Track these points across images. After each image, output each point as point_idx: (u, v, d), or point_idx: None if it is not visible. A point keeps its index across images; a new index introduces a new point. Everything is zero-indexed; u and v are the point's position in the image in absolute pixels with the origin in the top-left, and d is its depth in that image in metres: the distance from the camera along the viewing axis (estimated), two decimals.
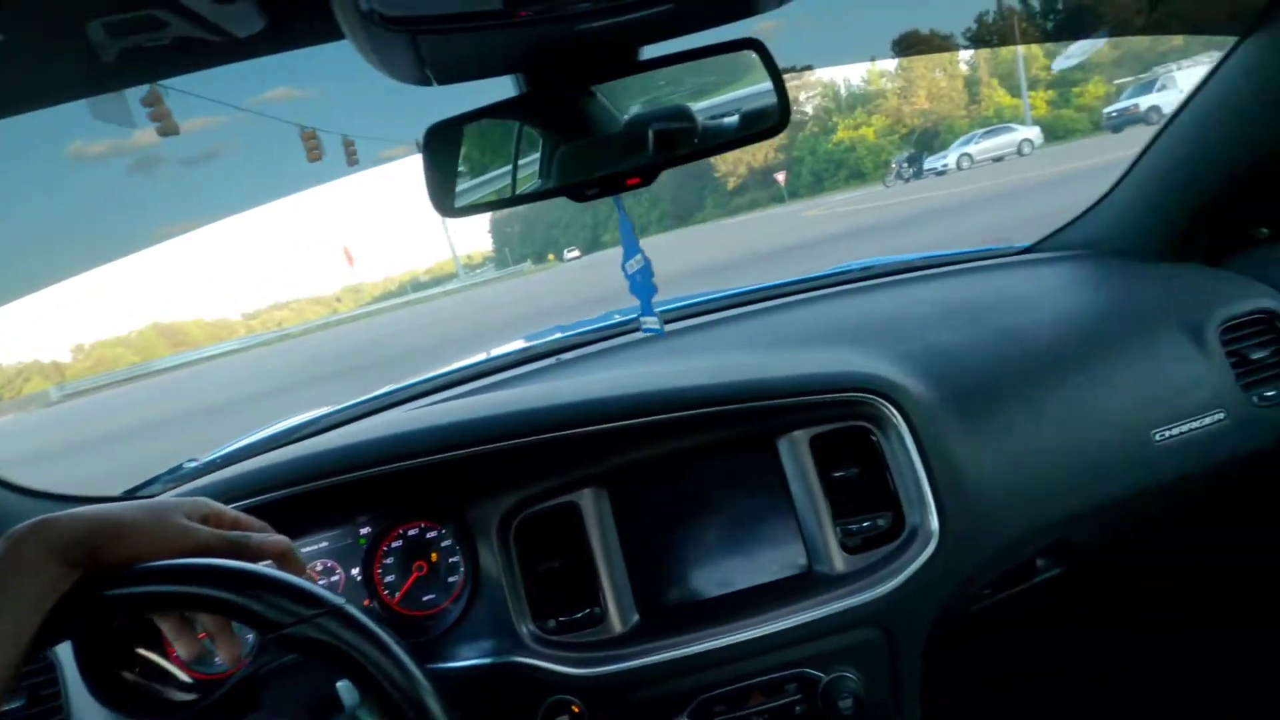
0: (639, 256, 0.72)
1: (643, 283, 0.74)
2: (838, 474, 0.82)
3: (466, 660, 0.77)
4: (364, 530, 0.87)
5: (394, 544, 0.86)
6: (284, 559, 0.55)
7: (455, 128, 0.64)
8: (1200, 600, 1.24)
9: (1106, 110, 21.42)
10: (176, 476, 1.13)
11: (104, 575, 0.49)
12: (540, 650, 0.76)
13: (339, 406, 1.34)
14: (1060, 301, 1.06)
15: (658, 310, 1.30)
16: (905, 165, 26.67)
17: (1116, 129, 18.48)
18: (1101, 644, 1.35)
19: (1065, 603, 1.27)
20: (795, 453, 0.82)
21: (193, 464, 1.18)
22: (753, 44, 0.59)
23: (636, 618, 0.79)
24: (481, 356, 1.36)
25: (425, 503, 0.85)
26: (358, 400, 1.33)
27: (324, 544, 0.87)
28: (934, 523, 0.79)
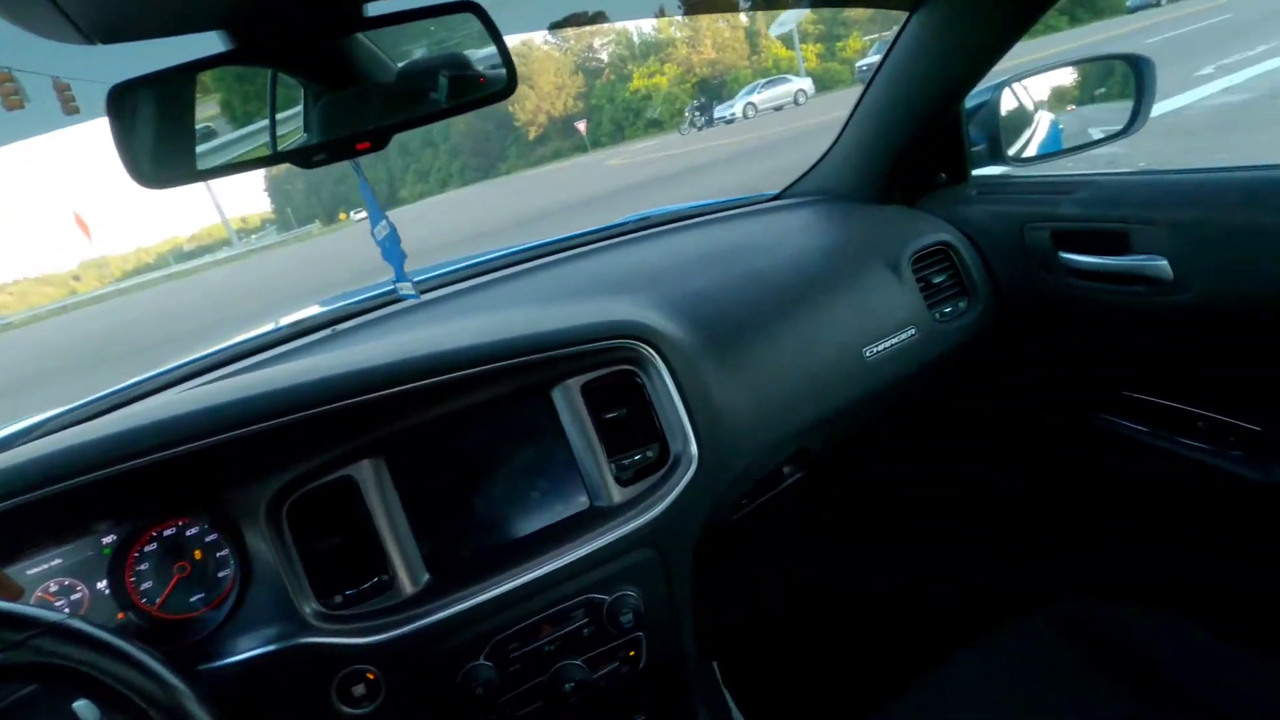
0: (384, 223, 0.70)
1: (391, 249, 0.72)
2: (609, 415, 0.89)
3: (247, 652, 0.74)
4: (107, 539, 0.78)
5: (146, 548, 0.79)
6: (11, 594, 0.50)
7: (143, 88, 0.57)
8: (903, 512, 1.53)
9: (858, 64, 23.94)
10: None
11: None
12: (327, 627, 0.76)
13: (69, 406, 1.17)
14: (795, 243, 1.21)
15: (421, 278, 1.28)
16: (698, 114, 27.86)
17: (865, 82, 20.87)
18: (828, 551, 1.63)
19: (808, 508, 1.50)
20: (569, 400, 0.87)
21: None
22: (471, 7, 0.59)
23: (427, 577, 0.81)
24: (237, 339, 1.25)
25: (177, 498, 0.78)
26: (95, 396, 1.16)
27: (58, 561, 0.78)
28: (694, 449, 0.89)
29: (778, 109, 23.32)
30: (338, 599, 0.79)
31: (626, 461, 0.89)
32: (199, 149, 0.63)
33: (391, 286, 1.16)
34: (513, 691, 0.83)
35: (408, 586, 0.80)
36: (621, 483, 0.88)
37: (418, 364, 0.79)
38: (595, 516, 0.86)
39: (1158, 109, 1.17)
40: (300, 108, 0.69)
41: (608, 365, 0.89)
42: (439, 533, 0.83)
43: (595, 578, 0.85)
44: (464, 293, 1.18)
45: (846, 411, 1.06)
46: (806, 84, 25.10)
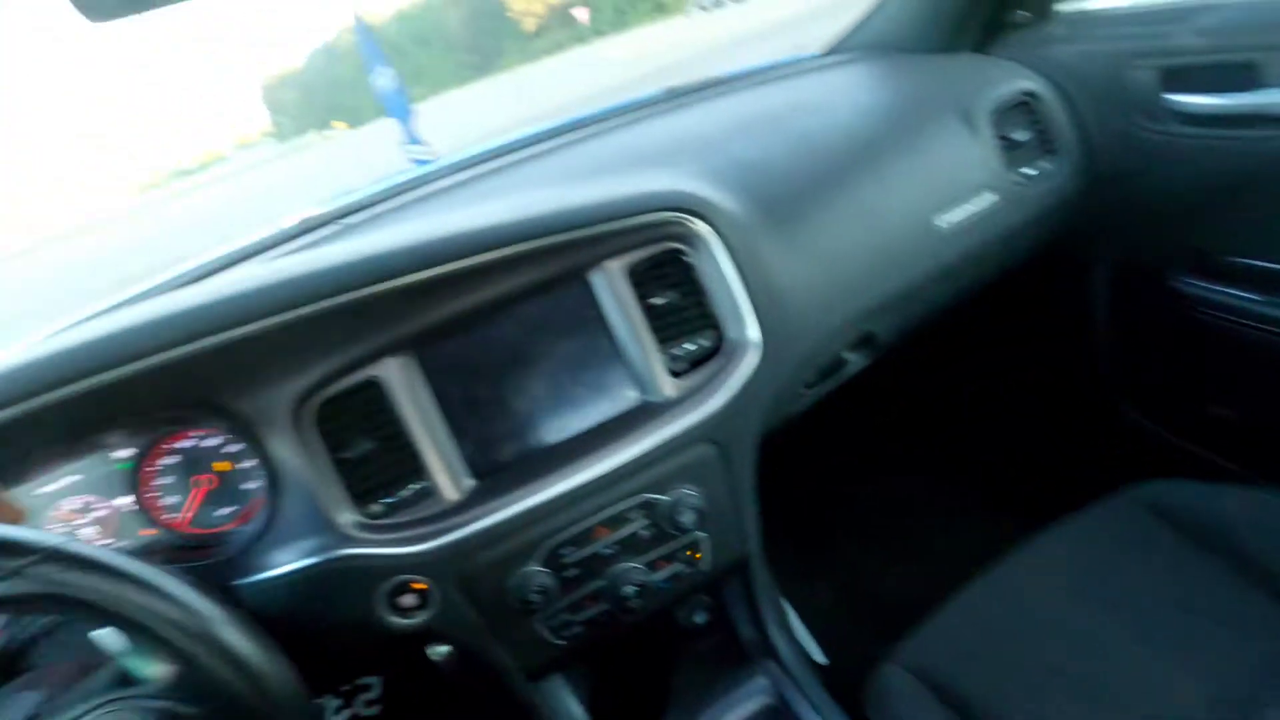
0: (386, 70, 0.58)
1: (397, 101, 0.60)
2: (656, 300, 0.79)
3: (284, 566, 0.69)
4: (120, 453, 0.72)
5: (164, 462, 0.73)
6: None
7: None
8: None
9: None
10: None
11: None
12: (368, 538, 0.70)
13: (77, 319, 1.09)
14: (850, 102, 1.06)
15: (437, 165, 1.15)
16: None
17: None
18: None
19: (872, 400, 1.42)
20: (611, 284, 0.78)
21: None
22: None
23: (471, 482, 0.75)
24: (254, 238, 1.15)
25: (188, 406, 0.71)
26: (95, 311, 1.08)
27: (76, 478, 0.72)
28: (754, 333, 0.80)
29: None
30: (376, 508, 0.73)
31: (678, 351, 0.80)
32: None
33: (404, 179, 1.05)
34: (571, 596, 0.78)
35: (450, 492, 0.74)
36: (674, 374, 0.80)
37: (441, 246, 0.69)
38: (647, 412, 0.78)
39: None
40: None
41: (652, 243, 0.79)
42: (479, 435, 0.76)
43: (651, 477, 0.78)
44: (485, 176, 1.06)
45: (916, 289, 0.95)
46: None
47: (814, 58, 1.33)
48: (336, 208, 1.11)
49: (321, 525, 0.70)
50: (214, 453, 0.73)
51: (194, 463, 0.73)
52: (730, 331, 0.81)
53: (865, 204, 0.92)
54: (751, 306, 0.80)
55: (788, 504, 1.32)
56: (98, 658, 0.51)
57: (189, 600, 0.44)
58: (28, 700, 0.48)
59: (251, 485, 0.74)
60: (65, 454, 0.70)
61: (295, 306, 0.65)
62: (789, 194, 0.89)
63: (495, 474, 0.76)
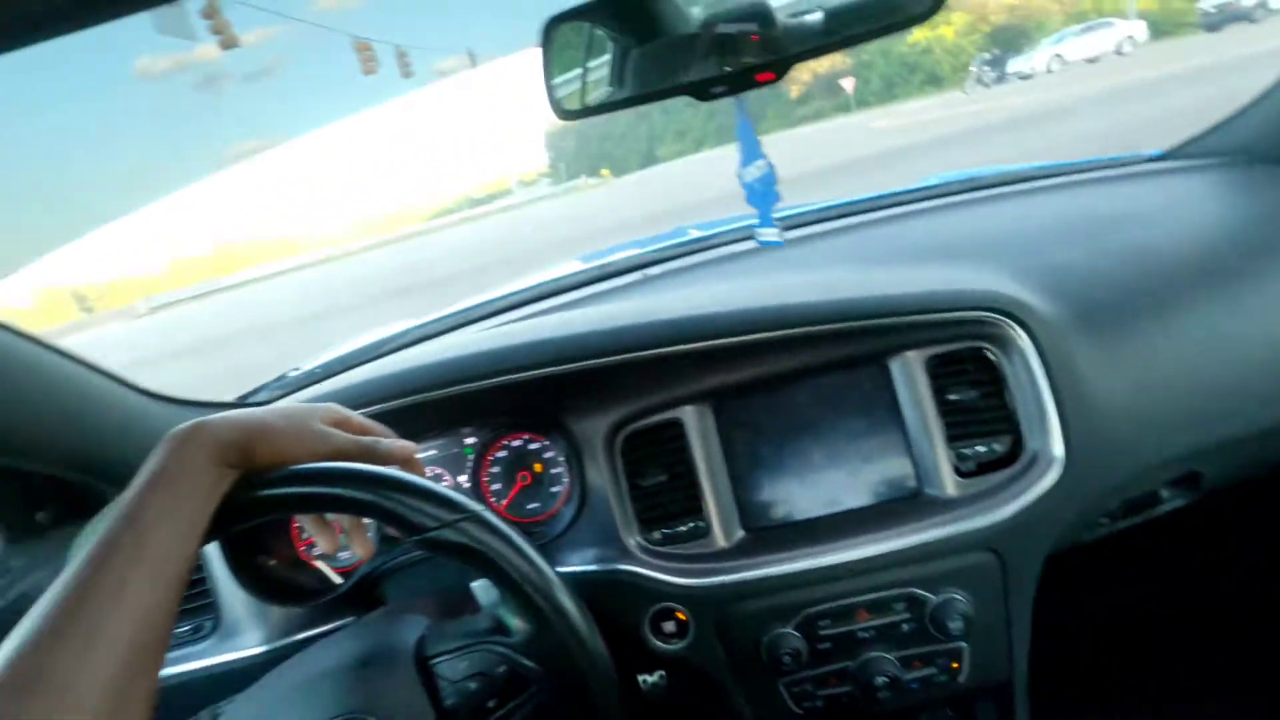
0: (761, 162, 0.67)
1: (763, 191, 0.69)
2: (953, 396, 0.79)
3: (575, 566, 0.80)
4: (469, 440, 0.89)
5: (499, 454, 0.88)
6: (409, 463, 0.57)
7: (576, 20, 0.60)
8: None
9: (1201, 6, 18.95)
10: (282, 385, 1.18)
11: (255, 475, 0.51)
12: (647, 560, 0.78)
13: (423, 321, 1.36)
14: (1203, 214, 0.96)
15: (741, 227, 1.24)
16: (987, 69, 24.66)
17: (1213, 27, 16.47)
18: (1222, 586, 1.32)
19: (1189, 538, 1.23)
20: (909, 373, 0.79)
21: (295, 373, 1.23)
22: None
23: (741, 533, 0.80)
24: (576, 268, 1.35)
25: (529, 415, 0.86)
26: (442, 314, 1.34)
27: (433, 452, 0.91)
28: (1057, 448, 0.75)
29: (1092, 61, 19.67)
30: (656, 535, 0.81)
31: (969, 451, 0.79)
32: (596, 81, 0.66)
33: (726, 230, 1.16)
34: (820, 669, 0.79)
35: (721, 538, 0.80)
36: (961, 474, 0.78)
37: (762, 316, 0.77)
38: (926, 506, 0.78)
39: None
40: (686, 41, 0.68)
41: (959, 340, 0.79)
42: (756, 489, 0.81)
43: (920, 572, 0.77)
44: (795, 243, 1.13)
45: (1269, 435, 0.82)
46: (1137, 28, 20.65)
47: (1152, 159, 1.23)
48: (655, 249, 1.26)
49: (611, 539, 0.80)
50: (537, 455, 0.87)
51: (519, 459, 0.88)
52: (1031, 441, 0.77)
53: (1212, 329, 0.82)
54: (1059, 420, 0.76)
55: (1066, 631, 1.19)
56: (464, 602, 0.64)
57: (545, 568, 0.54)
58: (418, 623, 0.62)
59: (556, 489, 0.87)
60: (436, 434, 0.88)
61: (629, 350, 0.77)
62: (1116, 307, 0.83)
63: (765, 530, 0.80)
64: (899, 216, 1.13)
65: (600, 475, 0.81)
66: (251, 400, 1.17)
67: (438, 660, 0.59)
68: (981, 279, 0.81)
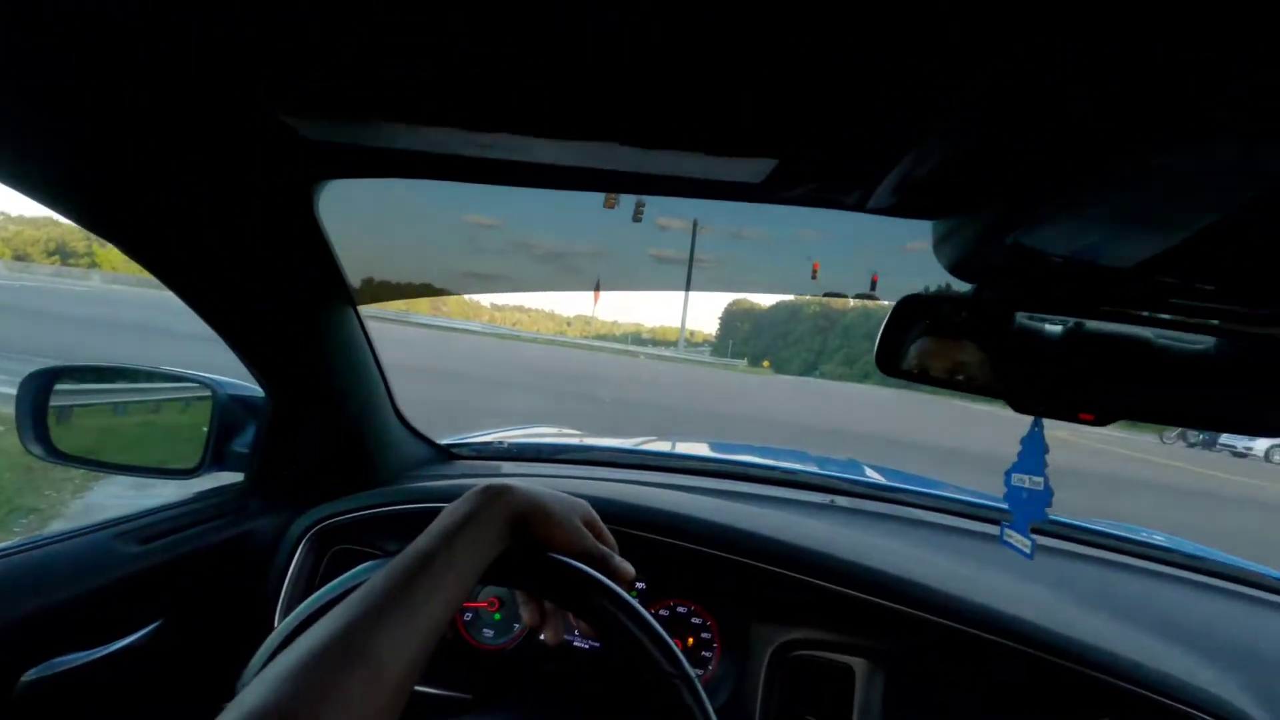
0: (1040, 479, 0.71)
1: (1028, 501, 0.72)
2: None
3: None
4: (639, 584, 0.97)
5: (661, 611, 0.95)
6: (629, 586, 0.65)
7: (924, 304, 0.70)
8: None
9: None
10: (484, 449, 1.37)
11: (526, 548, 0.61)
12: None
13: (612, 444, 1.50)
14: None
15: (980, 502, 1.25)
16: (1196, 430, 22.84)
17: None
18: None
19: None
20: None
21: (500, 446, 1.41)
22: None
23: None
24: (708, 452, 1.44)
25: (717, 595, 0.92)
26: (622, 447, 1.48)
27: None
28: None
29: None
30: None
31: None
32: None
33: (963, 499, 1.22)
34: None
35: None
36: None
37: (1018, 627, 0.79)
38: None
39: None
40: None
41: None
42: None
43: None
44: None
45: None
46: None
47: None
48: (920, 492, 1.30)
49: None
50: (694, 630, 0.93)
51: (674, 624, 0.94)
52: None
53: None
54: None
55: None
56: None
57: (686, 666, 0.58)
58: None
59: (698, 671, 0.91)
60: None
61: (851, 586, 0.83)
62: None
63: None
64: (1154, 574, 1.11)
65: (752, 678, 0.85)
66: (461, 451, 1.36)
67: None
68: (1226, 687, 0.78)
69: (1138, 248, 0.56)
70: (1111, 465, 12.18)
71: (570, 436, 1.73)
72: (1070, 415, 0.62)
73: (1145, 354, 0.60)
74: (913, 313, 0.70)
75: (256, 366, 0.98)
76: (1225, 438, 21.56)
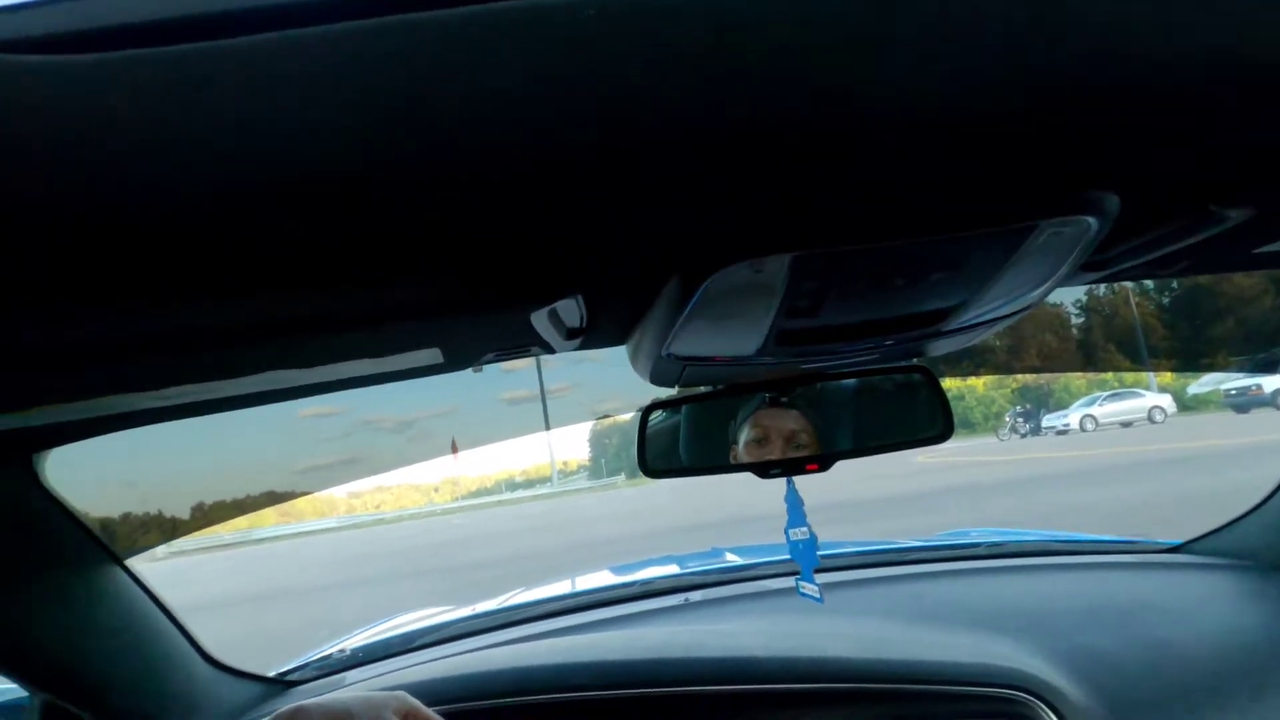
0: (804, 529, 0.81)
1: (805, 552, 0.82)
2: None
3: None
4: None
5: None
6: None
7: (670, 406, 0.80)
8: None
9: (1225, 387, 20.29)
10: (325, 665, 1.22)
11: None
12: None
13: (463, 615, 1.41)
14: (1221, 616, 1.01)
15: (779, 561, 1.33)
16: (1021, 420, 25.90)
17: (1240, 409, 17.51)
18: None
19: None
20: None
21: (340, 654, 1.27)
22: (921, 370, 0.72)
23: None
24: (609, 580, 1.42)
25: None
26: (481, 611, 1.40)
27: None
28: None
29: (1125, 425, 20.60)
30: None
31: None
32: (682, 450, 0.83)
33: (770, 560, 1.25)
34: None
35: None
36: None
37: (800, 665, 0.82)
38: None
39: None
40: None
41: (988, 715, 0.81)
42: None
43: None
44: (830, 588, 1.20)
45: None
46: (1164, 400, 21.95)
47: (1164, 547, 1.31)
48: (697, 572, 1.33)
49: None
50: None
51: None
52: None
53: None
54: None
55: None
56: None
57: None
58: None
59: None
60: None
61: (684, 684, 0.83)
62: (1145, 701, 0.85)
63: None
64: (931, 575, 1.20)
65: None
66: (295, 675, 1.21)
67: None
68: (1012, 655, 0.86)
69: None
70: (973, 475, 13.35)
71: (429, 615, 1.61)
72: (800, 469, 0.73)
73: (828, 409, 0.74)
74: (655, 417, 0.78)
75: (6, 666, 0.83)
76: (1046, 420, 24.59)
